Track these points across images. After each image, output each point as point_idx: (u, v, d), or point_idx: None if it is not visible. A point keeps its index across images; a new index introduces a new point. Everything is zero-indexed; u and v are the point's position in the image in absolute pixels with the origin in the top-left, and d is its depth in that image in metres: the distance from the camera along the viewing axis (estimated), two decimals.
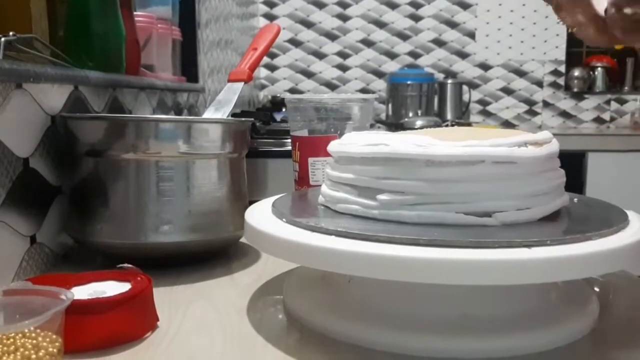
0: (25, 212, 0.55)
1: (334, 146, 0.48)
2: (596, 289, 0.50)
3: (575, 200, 0.49)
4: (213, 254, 0.63)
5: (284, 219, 0.44)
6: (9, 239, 0.53)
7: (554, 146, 0.44)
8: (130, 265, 0.47)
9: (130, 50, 0.85)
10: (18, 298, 0.37)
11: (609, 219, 0.42)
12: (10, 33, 0.64)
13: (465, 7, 2.65)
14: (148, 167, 0.57)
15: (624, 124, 2.62)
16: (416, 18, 2.65)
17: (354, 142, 0.45)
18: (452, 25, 2.65)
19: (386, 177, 0.41)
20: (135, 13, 0.93)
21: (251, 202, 0.53)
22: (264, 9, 2.65)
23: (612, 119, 2.67)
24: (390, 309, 0.41)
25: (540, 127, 2.58)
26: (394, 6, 2.65)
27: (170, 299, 0.50)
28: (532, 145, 0.42)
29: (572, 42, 2.64)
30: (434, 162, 0.40)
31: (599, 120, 2.67)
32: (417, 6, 2.65)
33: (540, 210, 0.41)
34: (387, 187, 0.41)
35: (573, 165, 2.02)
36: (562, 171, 0.46)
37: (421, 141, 0.41)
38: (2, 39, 0.62)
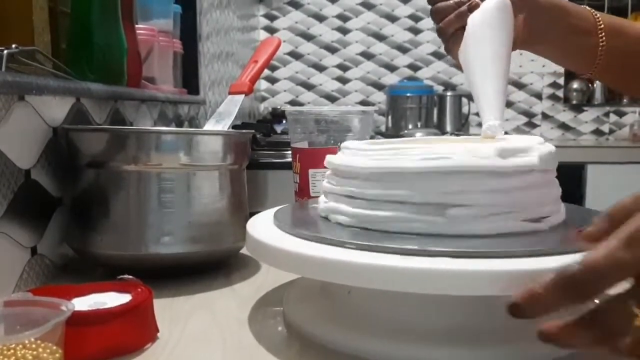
0: (26, 223, 0.56)
1: (364, 162, 0.44)
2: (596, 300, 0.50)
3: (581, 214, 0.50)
4: (213, 265, 0.63)
5: (285, 230, 0.44)
6: (10, 250, 0.53)
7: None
8: (130, 277, 0.47)
9: (132, 63, 0.85)
10: (19, 309, 0.37)
11: None
12: (13, 45, 0.64)
13: None
14: (149, 178, 0.57)
15: (623, 136, 2.62)
16: (416, 31, 2.67)
17: (395, 156, 0.43)
18: None
19: (453, 191, 0.40)
20: (137, 26, 0.94)
21: (252, 214, 0.53)
22: (264, 22, 2.67)
23: (611, 131, 2.68)
24: (390, 320, 0.41)
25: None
26: (393, 19, 2.67)
27: (171, 310, 0.50)
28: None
29: None
30: (496, 173, 0.41)
31: (598, 132, 2.68)
32: (417, 19, 2.67)
33: (563, 213, 0.45)
34: (458, 201, 0.40)
35: (572, 177, 2.02)
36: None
37: (482, 152, 0.41)
38: (5, 52, 0.62)
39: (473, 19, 0.59)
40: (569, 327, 0.29)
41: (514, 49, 0.61)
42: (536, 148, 0.43)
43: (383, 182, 0.42)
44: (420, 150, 0.42)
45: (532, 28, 0.63)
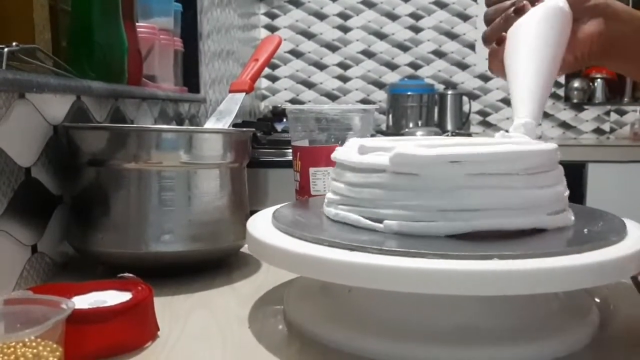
0: (26, 221, 0.56)
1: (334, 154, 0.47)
2: (597, 300, 0.50)
3: (580, 212, 0.49)
4: (214, 264, 0.63)
5: (285, 230, 0.44)
6: (10, 248, 0.53)
7: (487, 165, 0.43)
8: (131, 275, 0.47)
9: (133, 61, 0.85)
10: (19, 307, 0.37)
11: (610, 229, 0.42)
12: (14, 43, 0.64)
13: (465, 18, 2.66)
14: (149, 176, 0.57)
15: (624, 135, 2.62)
16: (416, 29, 2.67)
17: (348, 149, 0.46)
18: (452, 36, 2.67)
19: (334, 179, 0.47)
20: (137, 24, 0.94)
21: (252, 212, 0.53)
22: (265, 20, 2.67)
23: (612, 130, 2.68)
24: (390, 319, 0.41)
25: (540, 138, 2.58)
26: (394, 18, 2.67)
27: (171, 309, 0.50)
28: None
29: None
30: (354, 168, 0.44)
31: (598, 131, 2.68)
32: (418, 18, 2.67)
33: (447, 226, 0.40)
34: (333, 187, 0.47)
35: (573, 176, 2.02)
36: (535, 191, 0.46)
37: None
38: (5, 50, 0.62)
39: (518, 22, 0.55)
40: None
41: (587, 64, 0.57)
42: (400, 147, 0.40)
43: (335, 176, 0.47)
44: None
45: (608, 41, 0.56)
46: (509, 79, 0.52)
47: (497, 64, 0.57)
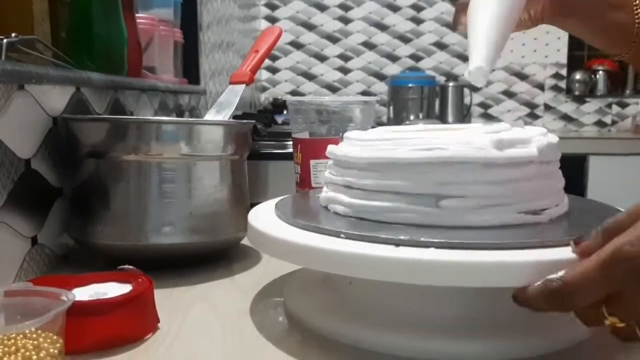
0: (26, 213, 0.55)
1: (361, 152, 0.44)
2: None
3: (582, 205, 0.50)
4: (214, 256, 0.63)
5: (286, 221, 0.43)
6: (10, 240, 0.53)
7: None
8: (131, 267, 0.47)
9: (132, 52, 0.85)
10: (19, 299, 0.37)
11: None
12: (13, 34, 0.64)
13: None
14: (149, 168, 0.57)
15: (626, 128, 2.62)
16: (417, 21, 2.66)
17: (383, 147, 0.43)
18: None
19: (447, 182, 0.40)
20: (137, 15, 0.93)
21: (253, 204, 0.53)
22: (265, 11, 2.66)
23: (614, 123, 2.67)
24: (391, 311, 0.41)
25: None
26: (395, 9, 2.66)
27: (171, 301, 0.50)
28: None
29: (574, 45, 2.65)
30: (492, 165, 0.40)
31: (600, 123, 2.67)
32: (419, 9, 2.65)
33: (565, 205, 0.45)
34: (452, 192, 0.40)
35: (575, 168, 2.02)
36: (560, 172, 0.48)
37: (479, 143, 0.40)
38: (4, 41, 0.62)
39: None
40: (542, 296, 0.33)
41: (540, 22, 0.60)
42: (536, 139, 0.42)
43: (378, 173, 0.42)
44: (415, 141, 0.41)
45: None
46: (469, 29, 0.54)
47: (461, 18, 0.59)
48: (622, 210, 0.45)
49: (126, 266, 0.47)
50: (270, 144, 0.97)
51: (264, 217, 0.46)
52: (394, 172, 0.41)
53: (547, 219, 0.42)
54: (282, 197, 0.53)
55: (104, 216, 0.57)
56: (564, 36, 2.64)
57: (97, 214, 0.57)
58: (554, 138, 0.45)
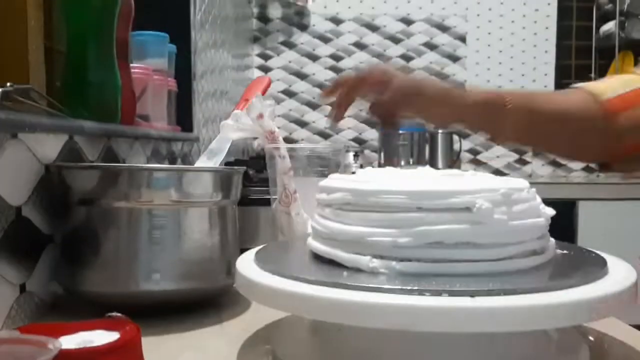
0: (16, 260, 0.55)
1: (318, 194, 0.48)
2: (591, 338, 0.50)
3: (563, 250, 0.50)
4: (203, 302, 0.62)
5: (270, 268, 0.44)
6: None
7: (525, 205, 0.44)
8: (119, 314, 0.46)
9: (126, 101, 0.86)
10: (6, 347, 0.37)
11: (591, 268, 0.42)
12: (8, 84, 0.65)
13: (455, 59, 2.72)
14: (140, 215, 0.57)
15: (613, 173, 2.65)
16: (407, 70, 2.72)
17: (346, 187, 0.46)
18: (442, 77, 2.72)
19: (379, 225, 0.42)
20: (131, 65, 0.95)
21: (243, 250, 0.53)
22: (259, 61, 2.72)
23: None
24: (380, 358, 0.41)
25: (530, 176, 2.61)
26: (385, 59, 2.72)
27: (159, 349, 0.50)
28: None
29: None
30: (424, 209, 0.41)
31: (588, 169, 2.71)
32: (408, 59, 2.72)
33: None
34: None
35: (564, 214, 2.03)
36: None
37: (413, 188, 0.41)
38: (0, 90, 0.63)
39: None
40: None
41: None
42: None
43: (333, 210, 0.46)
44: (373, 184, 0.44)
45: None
46: None
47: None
48: (611, 255, 0.46)
49: (114, 313, 0.47)
50: (261, 189, 0.98)
51: (252, 264, 0.46)
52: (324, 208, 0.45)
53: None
54: (269, 243, 0.54)
55: (94, 263, 0.57)
56: (550, 84, 2.71)
57: (87, 261, 0.57)
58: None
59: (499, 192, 0.41)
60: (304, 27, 2.70)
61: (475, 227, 0.40)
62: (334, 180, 0.47)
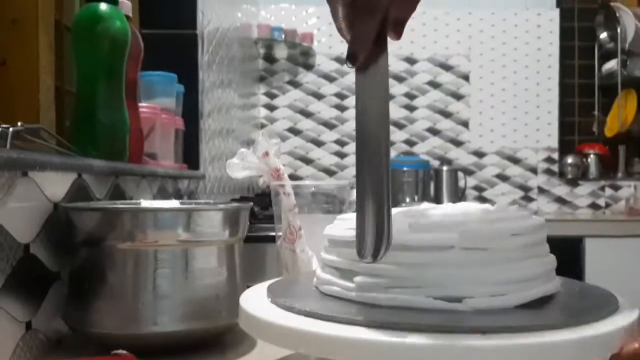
0: (22, 297, 0.56)
1: (326, 229, 0.49)
2: None
3: (574, 287, 0.49)
4: (209, 341, 0.62)
5: (276, 304, 0.44)
6: (5, 324, 0.53)
7: (532, 236, 0.45)
8: (124, 352, 0.47)
9: (134, 140, 0.88)
10: None
11: (595, 307, 0.42)
12: (19, 123, 0.66)
13: (458, 97, 2.75)
14: (145, 256, 0.57)
15: (619, 210, 2.64)
16: (411, 108, 2.75)
17: (340, 225, 0.47)
18: (446, 114, 2.74)
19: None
20: (140, 104, 0.97)
21: (249, 287, 0.53)
22: (265, 99, 2.75)
23: (608, 205, 2.70)
24: None
25: (536, 213, 2.60)
26: (389, 97, 2.76)
27: None
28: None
29: (564, 130, 2.73)
30: (406, 247, 0.41)
31: (594, 206, 2.70)
32: (412, 97, 2.75)
33: (517, 297, 0.41)
34: (363, 269, 0.43)
35: (570, 251, 2.02)
36: (552, 257, 0.46)
37: (395, 226, 0.42)
38: (10, 129, 0.64)
39: None
40: None
41: None
42: (464, 224, 0.42)
43: (329, 248, 0.48)
44: (350, 221, 0.45)
45: None
46: None
47: None
48: (618, 293, 0.46)
49: (120, 351, 0.47)
50: (267, 226, 0.98)
51: (256, 300, 0.46)
52: (333, 248, 0.47)
53: (469, 308, 0.40)
54: (274, 280, 0.54)
55: (99, 303, 0.57)
56: (554, 121, 2.73)
57: (93, 301, 0.57)
58: (513, 223, 0.44)
59: (511, 233, 0.42)
60: (309, 67, 2.75)
61: (487, 265, 0.41)
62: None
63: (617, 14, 2.61)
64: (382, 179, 0.41)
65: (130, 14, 0.90)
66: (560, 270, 0.47)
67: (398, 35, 0.43)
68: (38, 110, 0.87)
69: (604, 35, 2.74)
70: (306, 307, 0.42)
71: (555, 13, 2.76)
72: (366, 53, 0.42)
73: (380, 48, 0.42)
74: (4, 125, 0.62)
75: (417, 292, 0.41)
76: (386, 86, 0.44)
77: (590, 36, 2.79)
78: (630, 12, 2.61)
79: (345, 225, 0.47)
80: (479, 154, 2.73)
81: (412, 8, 0.43)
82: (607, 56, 2.74)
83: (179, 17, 1.39)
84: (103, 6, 0.78)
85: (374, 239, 0.40)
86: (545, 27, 2.75)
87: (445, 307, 0.40)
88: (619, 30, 2.59)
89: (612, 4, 2.71)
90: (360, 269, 0.43)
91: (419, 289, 0.41)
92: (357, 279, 0.43)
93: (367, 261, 0.41)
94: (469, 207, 0.50)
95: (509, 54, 2.75)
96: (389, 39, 0.43)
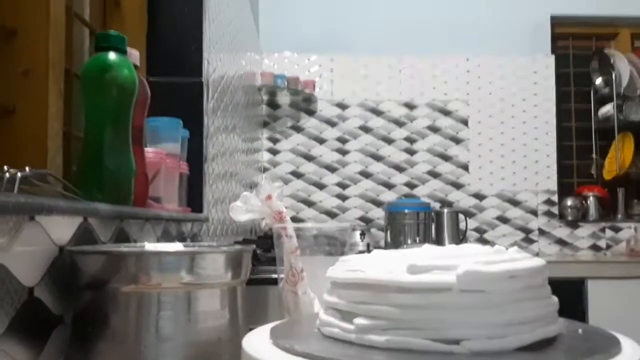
0: (25, 340, 0.56)
1: (328, 271, 0.50)
2: None
3: (577, 329, 0.49)
4: None
5: (278, 346, 0.44)
6: None
7: (532, 278, 0.45)
8: None
9: (139, 184, 0.89)
10: None
11: (597, 349, 0.42)
12: (26, 168, 0.68)
13: (458, 141, 2.79)
14: (149, 298, 0.57)
15: (620, 251, 2.63)
16: (411, 152, 2.78)
17: (341, 267, 0.48)
18: (446, 158, 2.77)
19: (362, 302, 0.44)
20: (146, 149, 0.99)
21: (252, 330, 0.54)
22: (268, 144, 2.79)
23: (608, 247, 2.69)
24: None
25: (537, 255, 2.59)
26: (390, 141, 2.79)
27: None
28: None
29: (563, 173, 2.75)
30: (404, 289, 0.42)
31: (595, 247, 2.69)
32: (412, 141, 2.79)
33: (517, 340, 0.41)
34: (362, 311, 0.43)
35: (573, 293, 2.00)
36: (554, 298, 0.47)
37: (393, 268, 0.43)
38: (19, 175, 0.66)
39: None
40: None
41: None
42: (465, 265, 0.42)
43: (330, 289, 0.48)
44: (351, 263, 0.46)
45: None
46: None
47: None
48: (622, 334, 0.46)
49: None
50: (269, 269, 0.99)
51: (259, 343, 0.46)
52: (334, 290, 0.47)
53: (466, 350, 0.40)
54: (277, 322, 0.54)
55: (102, 347, 0.57)
56: (552, 164, 2.75)
57: (95, 344, 0.57)
58: (507, 266, 0.44)
59: (509, 275, 0.43)
60: (311, 112, 2.80)
61: (484, 307, 0.41)
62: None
63: (612, 60, 2.67)
64: None
65: (138, 63, 0.93)
66: (563, 312, 0.47)
67: None
68: (46, 155, 0.88)
69: (599, 80, 2.79)
70: (307, 349, 0.42)
71: (551, 59, 2.82)
72: None
73: None
74: (12, 170, 0.64)
75: (414, 334, 0.41)
76: None
77: (585, 81, 2.85)
78: (624, 58, 2.67)
79: (345, 267, 0.48)
80: (479, 197, 2.74)
81: None
82: (603, 100, 2.79)
83: (185, 65, 1.43)
84: (112, 55, 0.81)
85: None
86: (541, 72, 2.81)
87: (442, 349, 0.40)
88: (613, 75, 2.65)
89: (606, 50, 2.78)
90: (360, 310, 0.43)
91: (416, 331, 0.41)
92: (356, 320, 0.43)
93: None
94: (469, 248, 0.50)
95: (506, 98, 2.80)
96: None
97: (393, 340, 0.41)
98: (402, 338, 0.41)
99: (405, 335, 0.41)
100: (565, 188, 2.77)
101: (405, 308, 0.42)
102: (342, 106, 2.81)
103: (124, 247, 0.72)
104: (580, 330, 0.49)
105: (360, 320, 0.43)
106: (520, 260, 0.46)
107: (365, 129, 2.80)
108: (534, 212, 2.74)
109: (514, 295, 0.43)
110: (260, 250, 1.14)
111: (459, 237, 2.55)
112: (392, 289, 0.42)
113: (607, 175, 2.74)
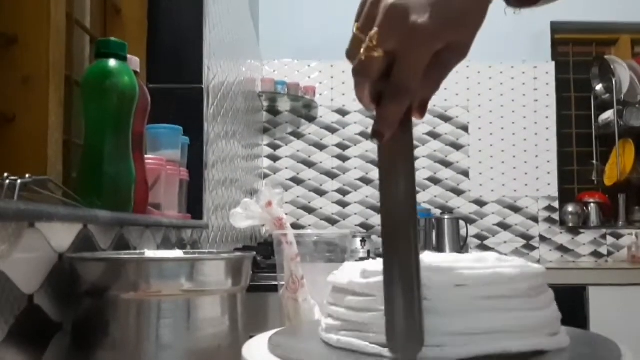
0: (24, 348, 0.56)
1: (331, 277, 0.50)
2: None
3: (577, 336, 0.48)
4: None
5: (276, 354, 0.44)
6: None
7: (497, 287, 0.42)
8: None
9: (139, 191, 0.89)
10: None
11: (597, 356, 0.42)
12: (27, 175, 0.68)
13: (458, 147, 2.79)
14: (149, 306, 0.57)
15: (622, 258, 2.63)
16: None
17: (341, 274, 0.48)
18: (446, 164, 2.77)
19: (332, 304, 0.47)
20: (146, 156, 0.99)
21: (252, 337, 0.53)
22: (268, 150, 2.79)
23: (610, 253, 2.69)
24: None
25: (538, 262, 2.58)
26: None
27: None
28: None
29: (564, 179, 2.75)
30: (355, 292, 0.44)
31: (596, 254, 2.69)
32: None
33: (454, 351, 0.39)
34: (331, 312, 0.46)
35: (575, 300, 2.00)
36: (545, 311, 0.44)
37: (351, 272, 0.45)
38: (19, 182, 0.66)
39: None
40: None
41: None
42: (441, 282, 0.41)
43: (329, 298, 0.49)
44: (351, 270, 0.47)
45: None
46: None
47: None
48: (623, 342, 0.45)
49: None
50: (269, 276, 0.98)
51: (258, 351, 0.46)
52: (333, 295, 0.48)
53: (392, 357, 0.39)
54: (277, 330, 0.54)
55: (101, 354, 0.57)
56: (553, 170, 2.75)
57: (95, 351, 0.57)
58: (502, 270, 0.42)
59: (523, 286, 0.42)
60: (311, 119, 2.80)
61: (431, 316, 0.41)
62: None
63: (612, 66, 2.68)
64: (411, 266, 0.40)
65: (138, 70, 0.93)
66: (564, 320, 0.47)
67: (422, 114, 0.45)
68: (46, 162, 0.89)
69: (599, 86, 2.80)
70: (305, 357, 0.42)
71: (551, 66, 2.83)
72: (392, 132, 0.43)
73: (405, 127, 0.43)
74: (13, 177, 0.64)
75: (358, 336, 0.42)
76: (411, 163, 0.44)
77: (586, 87, 2.85)
78: (624, 64, 2.68)
79: (344, 273, 0.47)
80: (480, 203, 2.74)
81: (436, 88, 0.44)
82: (603, 107, 2.79)
83: (186, 71, 1.43)
84: (112, 62, 0.81)
85: (405, 332, 0.38)
86: (542, 79, 2.81)
87: (373, 351, 0.40)
88: (614, 81, 2.65)
89: (606, 56, 2.79)
90: (330, 311, 0.46)
91: (359, 333, 0.42)
92: (324, 320, 0.46)
93: (398, 357, 0.38)
94: (450, 256, 0.48)
95: (507, 105, 2.80)
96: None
97: (342, 341, 0.43)
98: (346, 339, 0.43)
99: (350, 336, 0.43)
100: (566, 194, 2.77)
101: (354, 310, 0.43)
102: (343, 112, 2.81)
103: (124, 254, 0.72)
104: (580, 337, 0.48)
105: (327, 321, 0.46)
106: (483, 269, 0.43)
107: (366, 136, 2.80)
108: (535, 219, 2.74)
109: (460, 304, 0.41)
110: (260, 257, 1.14)
111: (460, 244, 2.55)
112: (349, 292, 0.44)
113: (608, 181, 2.74)
